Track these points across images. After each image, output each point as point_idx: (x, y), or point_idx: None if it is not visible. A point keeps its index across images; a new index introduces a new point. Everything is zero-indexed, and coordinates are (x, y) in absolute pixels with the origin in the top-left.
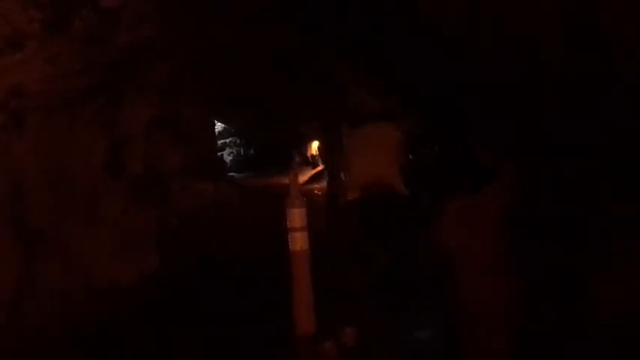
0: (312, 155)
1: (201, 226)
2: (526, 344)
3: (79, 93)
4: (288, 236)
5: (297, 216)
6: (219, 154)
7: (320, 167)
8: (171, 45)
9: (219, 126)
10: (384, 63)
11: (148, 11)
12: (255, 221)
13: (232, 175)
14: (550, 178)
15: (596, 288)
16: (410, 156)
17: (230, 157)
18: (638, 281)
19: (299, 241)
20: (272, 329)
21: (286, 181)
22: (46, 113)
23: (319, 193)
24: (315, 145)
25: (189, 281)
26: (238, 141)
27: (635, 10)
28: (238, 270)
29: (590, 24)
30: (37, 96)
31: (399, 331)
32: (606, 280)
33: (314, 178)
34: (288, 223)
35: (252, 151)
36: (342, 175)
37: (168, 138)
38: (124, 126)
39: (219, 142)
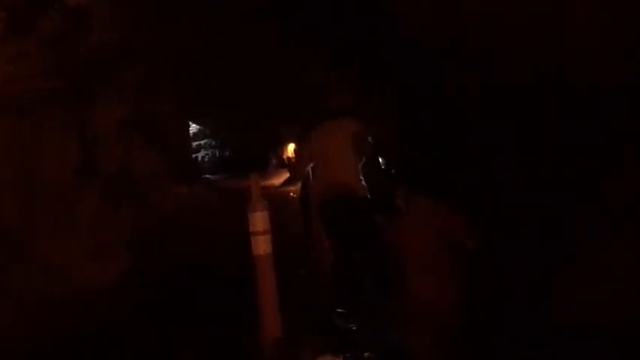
0: (289, 157)
1: (176, 228)
2: (472, 344)
3: (49, 94)
4: (251, 240)
5: (259, 219)
6: (193, 155)
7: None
8: (145, 46)
9: (193, 127)
10: (362, 65)
11: (120, 12)
12: (230, 223)
13: (207, 177)
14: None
15: (560, 288)
16: (379, 158)
17: (205, 159)
18: (600, 281)
19: (262, 245)
20: (246, 331)
21: (263, 183)
22: (15, 114)
23: (295, 195)
24: (291, 148)
25: (163, 282)
26: (213, 142)
27: None
28: (214, 271)
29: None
30: (2, 97)
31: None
32: (569, 281)
33: (290, 181)
34: (250, 227)
35: (227, 153)
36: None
37: (143, 139)
38: (96, 126)
39: (194, 143)
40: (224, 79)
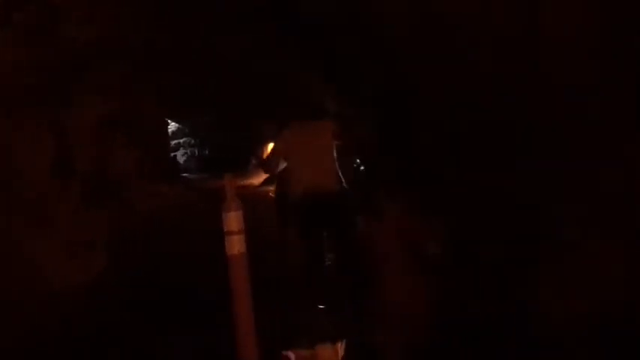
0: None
1: (155, 227)
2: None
3: (24, 91)
4: (225, 240)
5: (233, 219)
6: (172, 154)
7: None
8: (124, 44)
9: (172, 126)
10: (343, 66)
11: (100, 9)
12: (208, 222)
13: (186, 176)
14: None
15: (532, 287)
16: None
17: (184, 158)
18: (571, 280)
19: (236, 245)
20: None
21: (243, 183)
22: None
23: (273, 195)
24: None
25: (142, 282)
26: (193, 141)
27: None
28: (193, 270)
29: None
30: None
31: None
32: (542, 280)
33: (270, 180)
34: (224, 227)
35: (207, 152)
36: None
37: (121, 138)
38: (73, 125)
39: (173, 142)
40: (204, 78)
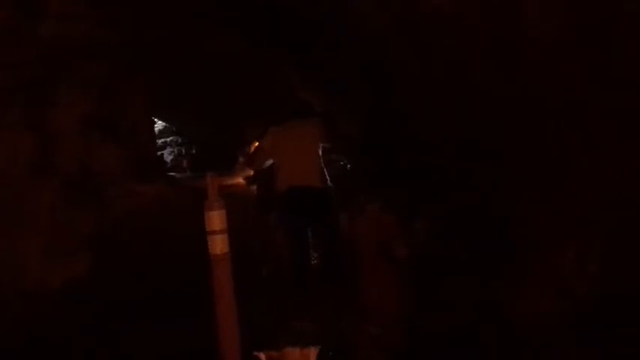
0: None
1: (138, 228)
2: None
3: (3, 90)
4: (208, 240)
5: (216, 218)
6: (159, 153)
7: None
8: (109, 42)
9: (159, 124)
10: (326, 66)
11: (81, 6)
12: (195, 223)
13: (173, 175)
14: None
15: (503, 287)
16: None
17: (171, 157)
18: (540, 281)
19: (219, 244)
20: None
21: (231, 181)
22: None
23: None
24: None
25: (123, 283)
26: (180, 140)
27: None
28: (177, 271)
29: None
30: None
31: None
32: (513, 282)
33: (256, 179)
34: (207, 227)
35: (194, 151)
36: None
37: (105, 136)
38: (54, 124)
39: (160, 140)
40: (190, 77)
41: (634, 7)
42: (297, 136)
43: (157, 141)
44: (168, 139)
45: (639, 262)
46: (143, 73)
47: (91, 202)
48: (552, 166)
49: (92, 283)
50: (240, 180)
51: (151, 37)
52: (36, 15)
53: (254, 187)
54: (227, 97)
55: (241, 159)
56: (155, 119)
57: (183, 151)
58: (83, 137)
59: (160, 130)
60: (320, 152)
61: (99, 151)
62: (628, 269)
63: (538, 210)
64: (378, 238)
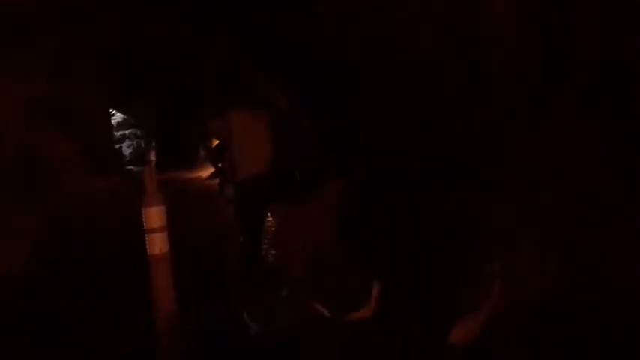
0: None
1: (85, 221)
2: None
3: None
4: (146, 238)
5: (154, 215)
6: (117, 146)
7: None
8: (54, 21)
9: (119, 116)
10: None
11: None
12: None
13: (131, 169)
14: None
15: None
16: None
17: (130, 150)
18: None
19: (158, 244)
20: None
21: (190, 175)
22: None
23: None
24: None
25: (64, 276)
26: (139, 133)
27: None
28: (125, 267)
29: None
30: None
31: None
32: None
33: (219, 173)
34: (144, 224)
35: (154, 144)
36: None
37: (53, 124)
38: None
39: (119, 133)
40: (152, 68)
41: None
42: (248, 125)
43: (116, 133)
44: (127, 132)
45: (596, 261)
46: (96, 62)
47: (37, 192)
48: (507, 164)
49: (35, 274)
50: (202, 173)
51: (101, 19)
52: None
53: (215, 181)
54: (189, 90)
55: (202, 152)
56: (114, 110)
57: (143, 144)
58: (28, 124)
59: (118, 123)
60: (270, 141)
61: (47, 139)
62: (586, 269)
63: (500, 210)
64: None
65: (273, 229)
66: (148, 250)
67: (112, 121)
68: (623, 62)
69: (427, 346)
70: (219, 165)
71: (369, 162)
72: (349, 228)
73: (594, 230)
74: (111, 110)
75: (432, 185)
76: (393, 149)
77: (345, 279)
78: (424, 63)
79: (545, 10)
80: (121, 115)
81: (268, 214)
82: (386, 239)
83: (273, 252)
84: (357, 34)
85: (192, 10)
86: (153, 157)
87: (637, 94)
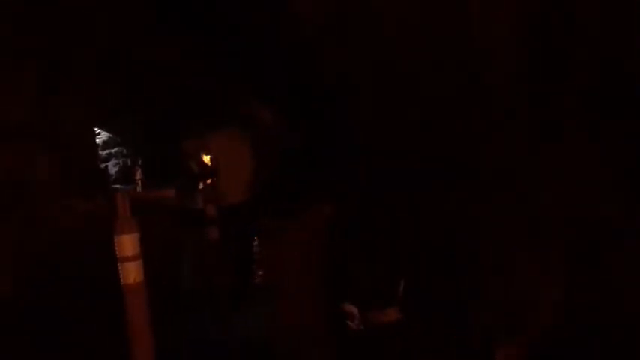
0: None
1: (68, 246)
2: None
3: None
4: (120, 267)
5: (127, 243)
6: (103, 165)
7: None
8: (38, 43)
9: (104, 135)
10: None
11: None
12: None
13: (117, 188)
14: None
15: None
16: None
17: (116, 169)
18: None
19: (132, 273)
20: None
21: (160, 194)
22: None
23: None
24: (207, 159)
25: (45, 307)
26: (125, 151)
27: None
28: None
29: None
30: None
31: None
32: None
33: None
34: (117, 252)
35: (140, 163)
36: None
37: (35, 145)
38: None
39: (105, 152)
40: (135, 86)
41: None
42: (229, 147)
43: (102, 152)
44: (112, 151)
45: (596, 261)
46: (83, 81)
47: (16, 217)
48: (507, 164)
49: (12, 309)
50: (168, 193)
51: (87, 42)
52: None
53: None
54: (169, 108)
55: (191, 171)
56: (98, 129)
57: (129, 162)
58: (11, 146)
59: (104, 142)
60: (253, 163)
61: (28, 161)
62: (589, 291)
63: (491, 229)
64: (303, 249)
65: (260, 252)
66: (121, 280)
67: (98, 140)
68: (623, 62)
69: (427, 346)
70: (202, 184)
71: (369, 162)
72: (349, 229)
73: (594, 230)
74: (96, 130)
75: (432, 185)
76: (393, 149)
77: (365, 280)
78: (424, 63)
79: (545, 10)
80: (107, 134)
81: (254, 238)
82: (386, 239)
83: (261, 273)
84: (357, 34)
85: (183, 32)
86: (139, 175)
87: (637, 94)
